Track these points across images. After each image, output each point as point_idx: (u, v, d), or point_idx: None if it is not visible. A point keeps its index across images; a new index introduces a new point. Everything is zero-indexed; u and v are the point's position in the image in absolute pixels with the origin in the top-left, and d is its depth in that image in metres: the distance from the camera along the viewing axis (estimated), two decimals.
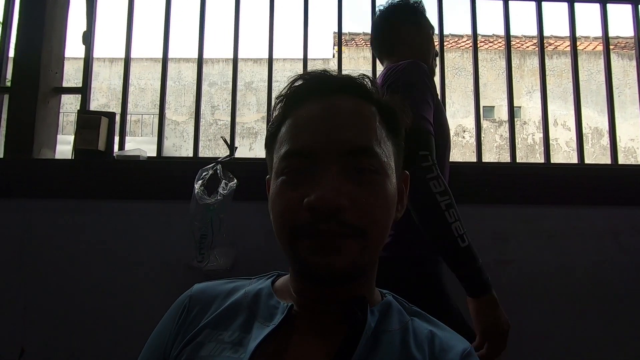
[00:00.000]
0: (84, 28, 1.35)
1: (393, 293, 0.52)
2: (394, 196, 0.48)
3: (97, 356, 1.08)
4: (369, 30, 1.38)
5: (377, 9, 1.38)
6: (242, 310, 0.48)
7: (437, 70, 1.35)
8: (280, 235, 0.46)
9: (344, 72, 0.52)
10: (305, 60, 1.34)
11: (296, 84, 0.49)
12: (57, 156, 1.36)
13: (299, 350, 0.44)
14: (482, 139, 1.31)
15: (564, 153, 7.18)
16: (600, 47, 6.97)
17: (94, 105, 1.60)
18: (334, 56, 7.67)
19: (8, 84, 1.33)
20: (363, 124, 0.46)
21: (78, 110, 1.26)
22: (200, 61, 1.36)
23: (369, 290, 0.49)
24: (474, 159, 1.34)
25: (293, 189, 0.44)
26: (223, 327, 0.47)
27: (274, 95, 1.33)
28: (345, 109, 0.46)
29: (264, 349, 0.43)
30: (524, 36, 7.61)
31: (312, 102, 0.47)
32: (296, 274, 0.48)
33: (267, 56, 1.35)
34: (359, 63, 7.47)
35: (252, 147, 7.16)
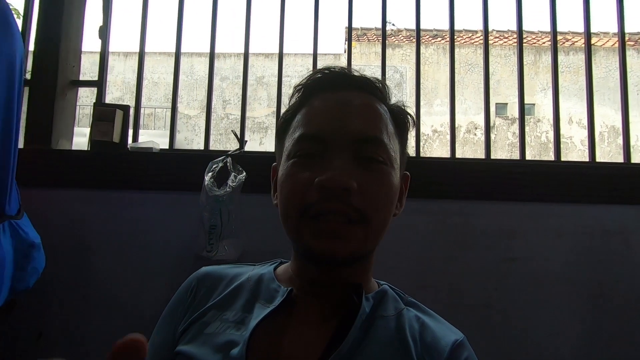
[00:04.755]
0: (101, 23, 1.38)
1: (390, 284, 0.54)
2: (398, 189, 0.49)
3: (110, 340, 1.11)
4: (380, 25, 1.38)
5: (387, 3, 1.38)
6: (245, 292, 0.51)
7: (447, 66, 1.35)
8: (287, 216, 0.47)
9: (354, 67, 0.55)
10: (315, 55, 1.35)
11: (316, 76, 0.52)
12: (74, 147, 1.40)
13: (297, 331, 0.46)
14: (494, 136, 1.31)
15: (578, 152, 7.02)
16: None
17: (108, 99, 1.64)
18: (345, 51, 7.63)
19: (28, 76, 1.37)
20: (375, 117, 0.49)
21: (94, 103, 1.29)
22: (212, 55, 1.38)
23: (365, 277, 0.51)
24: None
25: (304, 170, 0.46)
26: (227, 308, 0.50)
27: (284, 90, 1.35)
28: (359, 102, 0.49)
29: (264, 328, 0.45)
30: (540, 32, 7.44)
31: (328, 93, 0.50)
32: (299, 255, 0.50)
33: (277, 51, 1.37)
34: (370, 58, 7.41)
35: (262, 142, 7.20)
